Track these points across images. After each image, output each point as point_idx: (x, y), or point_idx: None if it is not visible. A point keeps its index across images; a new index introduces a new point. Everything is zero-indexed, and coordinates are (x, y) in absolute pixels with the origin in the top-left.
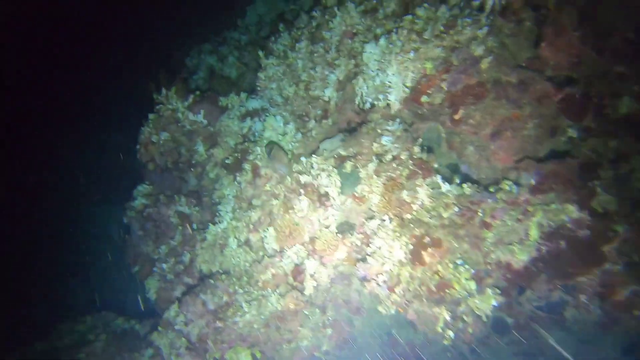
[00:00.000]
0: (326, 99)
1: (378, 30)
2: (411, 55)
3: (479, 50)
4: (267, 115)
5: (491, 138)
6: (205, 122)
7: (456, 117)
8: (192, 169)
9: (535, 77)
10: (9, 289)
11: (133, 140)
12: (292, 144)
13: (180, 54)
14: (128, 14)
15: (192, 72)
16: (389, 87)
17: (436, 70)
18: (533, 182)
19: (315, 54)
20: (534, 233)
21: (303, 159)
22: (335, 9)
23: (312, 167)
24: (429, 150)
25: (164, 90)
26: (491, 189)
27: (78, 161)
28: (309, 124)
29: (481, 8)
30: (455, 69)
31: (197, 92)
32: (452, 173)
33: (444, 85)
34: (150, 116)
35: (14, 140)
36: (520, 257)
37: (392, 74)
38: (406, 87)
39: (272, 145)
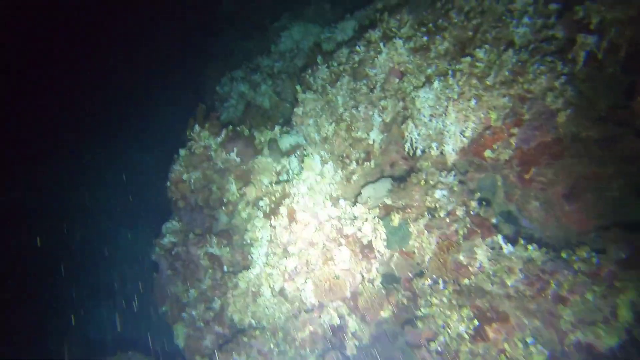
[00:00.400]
0: (370, 141)
1: (429, 71)
2: (472, 103)
3: (557, 104)
4: (305, 155)
5: (565, 197)
6: (238, 160)
7: (526, 176)
8: (223, 208)
9: (622, 132)
10: (41, 323)
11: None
12: (331, 185)
13: (212, 82)
14: (163, 44)
15: (224, 100)
16: (446, 136)
17: (502, 122)
18: (623, 255)
19: (357, 92)
20: (624, 313)
21: (342, 203)
22: (381, 44)
23: (355, 216)
24: (487, 203)
25: (197, 127)
26: (563, 254)
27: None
28: (349, 166)
29: (572, 60)
30: (528, 123)
31: (230, 127)
32: (508, 223)
33: (513, 140)
34: (182, 152)
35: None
36: (606, 342)
37: (450, 122)
38: (464, 137)
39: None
